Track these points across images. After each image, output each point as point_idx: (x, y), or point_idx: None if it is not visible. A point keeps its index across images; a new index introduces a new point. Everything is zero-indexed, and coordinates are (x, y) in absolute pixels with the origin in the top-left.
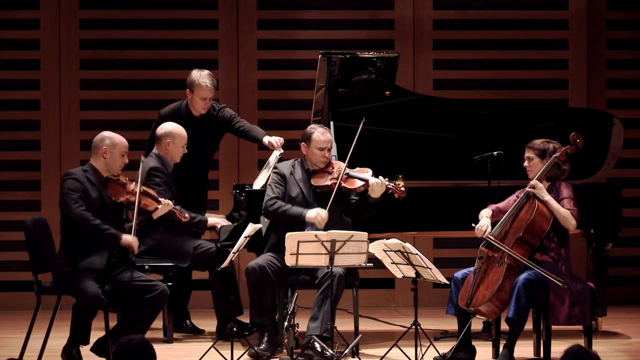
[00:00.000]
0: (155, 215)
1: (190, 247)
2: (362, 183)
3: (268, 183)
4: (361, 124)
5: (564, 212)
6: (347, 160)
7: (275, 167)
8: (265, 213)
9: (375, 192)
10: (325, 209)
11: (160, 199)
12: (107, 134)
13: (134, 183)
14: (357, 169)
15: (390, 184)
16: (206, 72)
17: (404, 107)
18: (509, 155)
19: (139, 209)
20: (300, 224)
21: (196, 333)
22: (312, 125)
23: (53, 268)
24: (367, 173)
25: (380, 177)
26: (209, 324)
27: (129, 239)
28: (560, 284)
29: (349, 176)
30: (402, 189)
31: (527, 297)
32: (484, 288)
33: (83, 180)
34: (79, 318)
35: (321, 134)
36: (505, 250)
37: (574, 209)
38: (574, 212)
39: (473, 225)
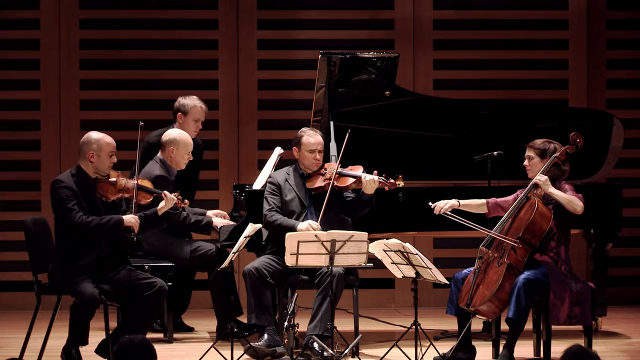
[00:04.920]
0: (160, 212)
1: (187, 253)
2: (354, 180)
3: (264, 195)
4: (346, 137)
5: (569, 197)
6: (339, 160)
7: (270, 177)
8: (264, 225)
9: (368, 188)
10: (321, 210)
11: (162, 193)
12: (93, 136)
13: (124, 179)
14: (349, 167)
15: (381, 177)
16: (194, 96)
17: (404, 107)
18: (509, 155)
19: (137, 203)
20: None
21: (186, 331)
22: (303, 129)
23: (48, 270)
24: (358, 170)
25: (371, 175)
26: (209, 324)
27: (131, 219)
28: (513, 243)
29: (341, 175)
30: (392, 180)
31: (527, 297)
32: (484, 288)
33: (72, 186)
34: (77, 319)
35: (311, 137)
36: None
37: (578, 195)
38: (579, 196)
39: (430, 203)
